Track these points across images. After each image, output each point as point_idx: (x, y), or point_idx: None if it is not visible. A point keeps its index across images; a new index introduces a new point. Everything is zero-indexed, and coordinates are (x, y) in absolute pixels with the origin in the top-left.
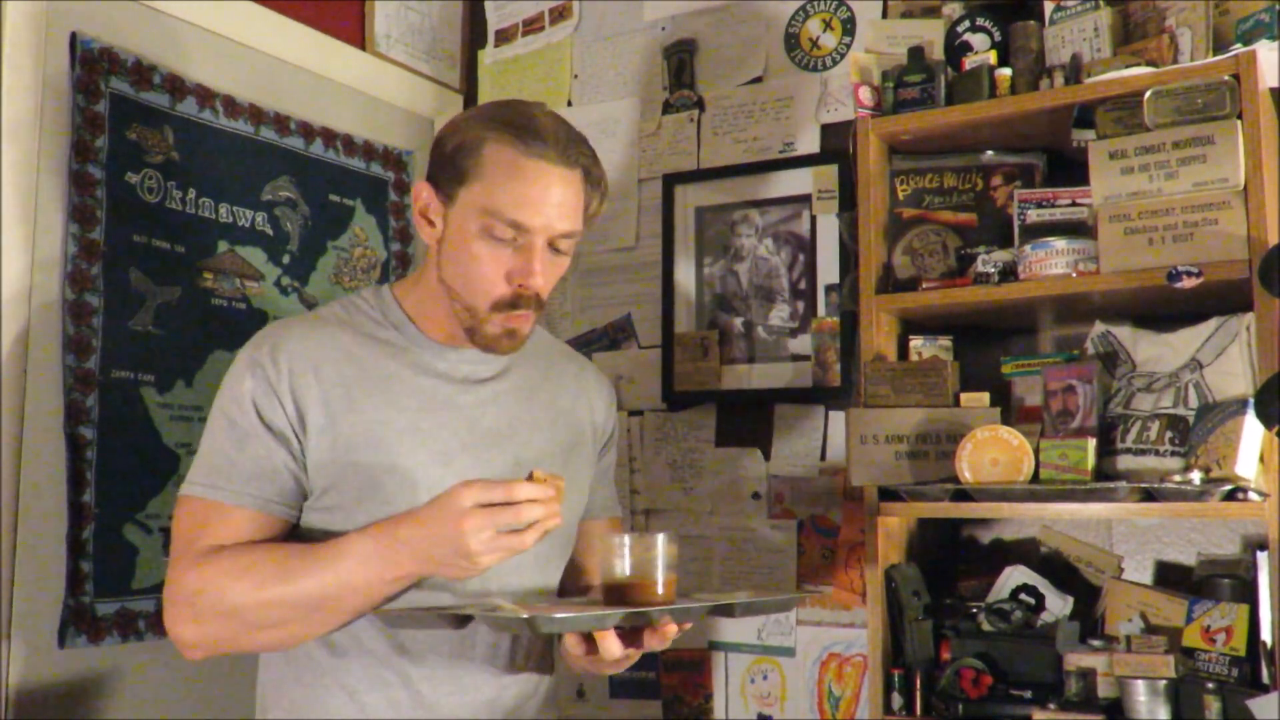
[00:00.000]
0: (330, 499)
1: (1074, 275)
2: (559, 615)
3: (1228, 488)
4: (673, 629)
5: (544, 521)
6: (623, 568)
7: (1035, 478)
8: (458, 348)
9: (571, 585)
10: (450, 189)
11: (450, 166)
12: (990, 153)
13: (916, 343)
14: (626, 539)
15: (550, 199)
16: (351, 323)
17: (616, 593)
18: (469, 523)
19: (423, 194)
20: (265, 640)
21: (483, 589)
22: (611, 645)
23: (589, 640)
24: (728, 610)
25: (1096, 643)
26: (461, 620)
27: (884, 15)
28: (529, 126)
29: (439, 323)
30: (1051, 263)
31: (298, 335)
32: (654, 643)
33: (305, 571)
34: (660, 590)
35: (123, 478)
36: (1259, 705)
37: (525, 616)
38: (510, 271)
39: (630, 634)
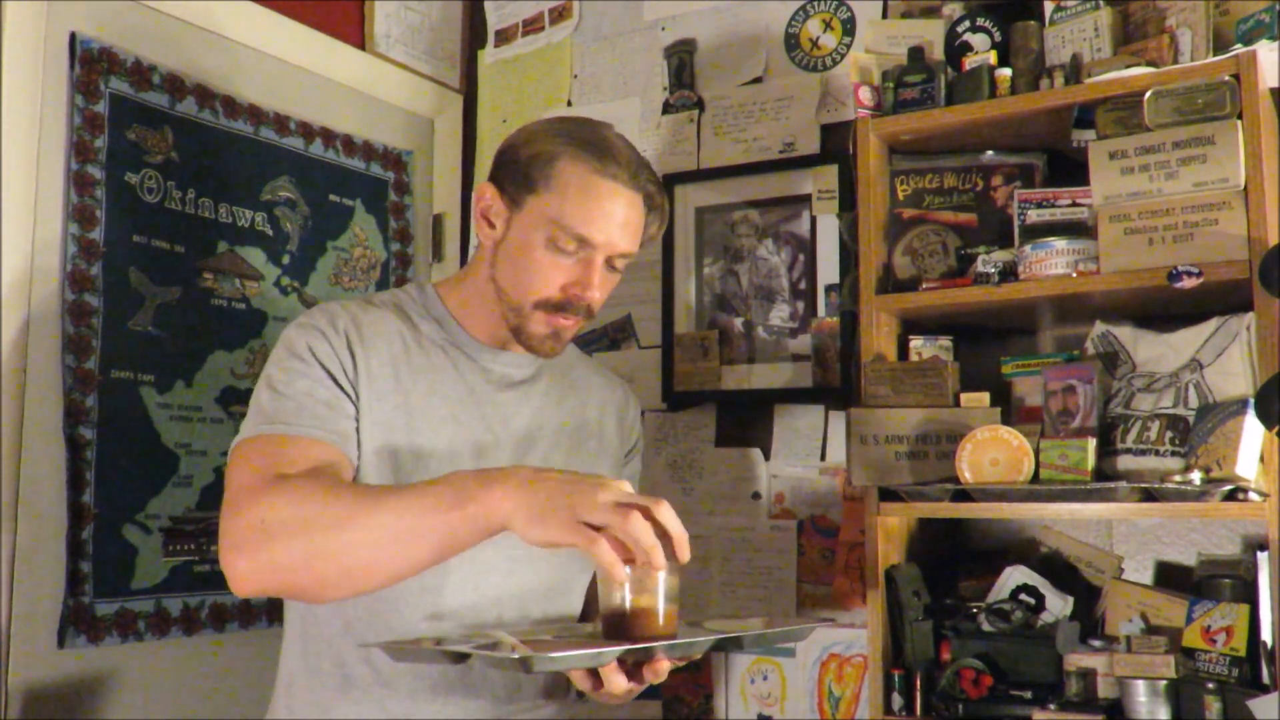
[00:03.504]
0: (365, 472)
1: (1074, 275)
2: (554, 654)
3: (1228, 488)
4: (664, 664)
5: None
6: (622, 599)
7: (1035, 478)
8: (495, 349)
9: (594, 602)
10: (518, 195)
11: (521, 174)
12: (990, 153)
13: (916, 343)
14: (627, 570)
15: (616, 218)
16: (398, 310)
17: (615, 626)
18: (605, 487)
19: (486, 195)
20: (324, 570)
21: (511, 597)
22: (617, 680)
23: (595, 675)
24: (735, 644)
25: (1097, 643)
26: (459, 658)
27: (884, 15)
28: (604, 147)
29: (481, 322)
30: (1051, 263)
31: (352, 310)
32: (649, 677)
33: (390, 499)
34: (660, 623)
35: (122, 478)
36: (1259, 705)
37: (517, 656)
38: (567, 283)
39: (634, 669)
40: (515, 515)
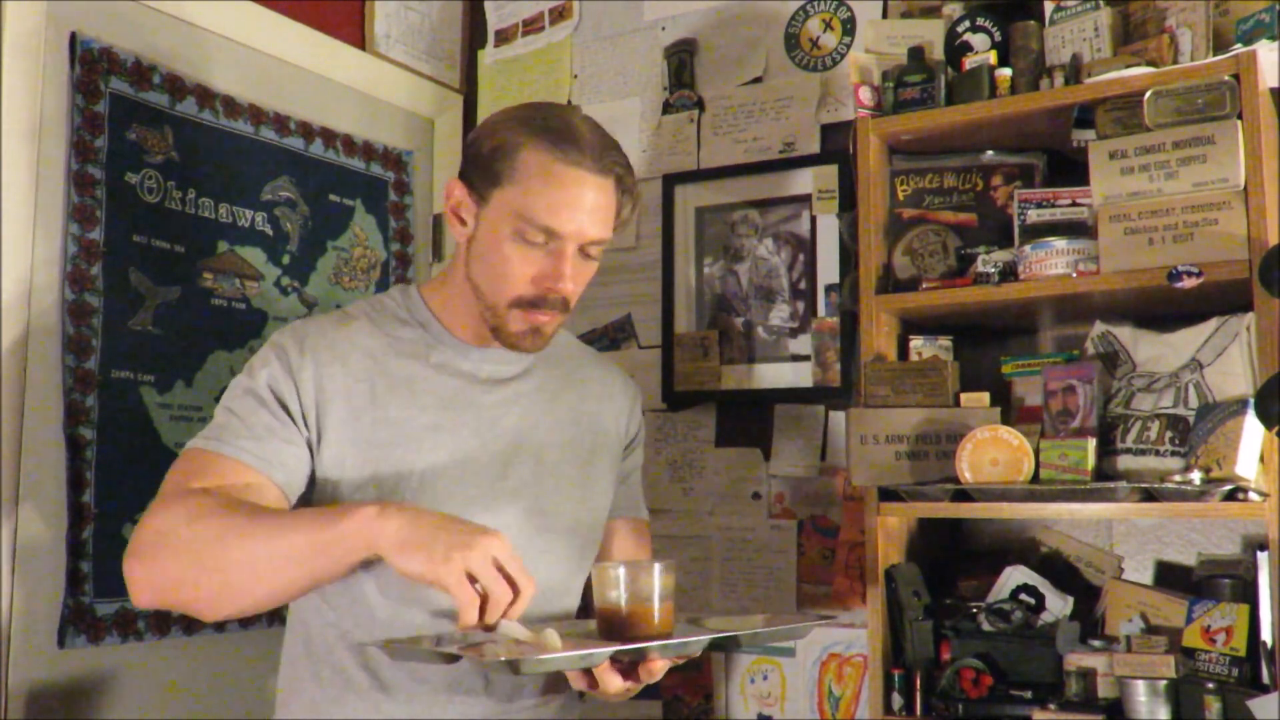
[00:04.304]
0: (345, 496)
1: (1074, 275)
2: (543, 656)
3: (1228, 488)
4: (659, 664)
5: (510, 611)
6: (617, 598)
7: (1035, 478)
8: (482, 347)
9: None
10: (484, 189)
11: (485, 167)
12: (990, 153)
13: (916, 343)
14: (622, 569)
15: (583, 206)
16: (378, 320)
17: (610, 625)
18: (496, 539)
19: (455, 191)
20: (208, 586)
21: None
22: (611, 679)
23: (589, 674)
24: (732, 643)
25: (1096, 643)
26: (451, 658)
27: (884, 15)
28: (566, 133)
29: (465, 322)
30: (1051, 263)
31: (325, 329)
32: (644, 676)
33: (272, 519)
34: (655, 622)
35: (123, 478)
36: (1259, 705)
37: (503, 659)
38: (539, 275)
39: (630, 667)
40: (386, 539)
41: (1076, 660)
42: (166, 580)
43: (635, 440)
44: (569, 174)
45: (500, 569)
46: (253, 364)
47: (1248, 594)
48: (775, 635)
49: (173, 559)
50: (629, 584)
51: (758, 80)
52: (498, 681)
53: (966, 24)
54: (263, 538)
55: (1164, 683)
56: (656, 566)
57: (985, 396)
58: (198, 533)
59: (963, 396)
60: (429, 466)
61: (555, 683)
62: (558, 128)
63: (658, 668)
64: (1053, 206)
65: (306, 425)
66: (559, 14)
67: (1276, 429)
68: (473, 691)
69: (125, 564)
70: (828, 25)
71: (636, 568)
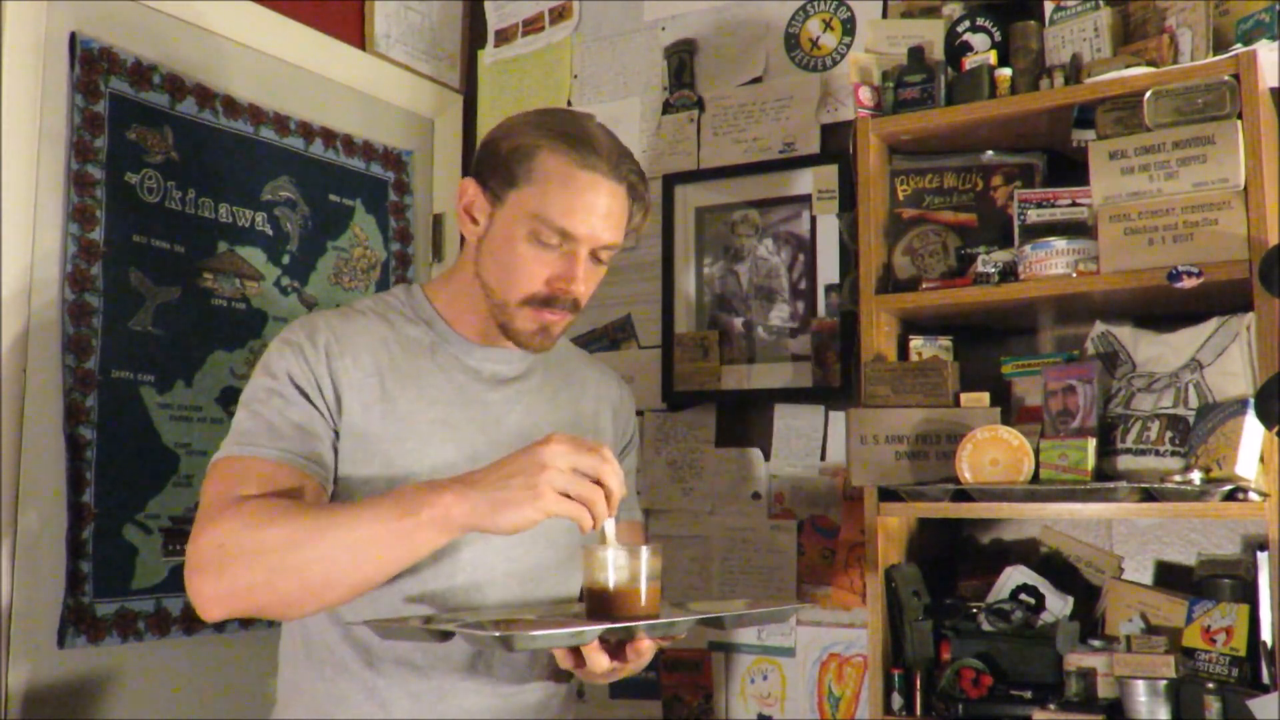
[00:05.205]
0: (354, 487)
1: (1074, 275)
2: (535, 633)
3: (1228, 488)
4: (646, 644)
5: (610, 504)
6: (604, 580)
7: (1035, 478)
8: (486, 346)
9: None
10: (500, 190)
11: (502, 168)
12: (990, 153)
13: (916, 343)
14: (609, 551)
15: (598, 210)
16: (384, 316)
17: (597, 606)
18: (553, 446)
19: (469, 190)
20: (286, 589)
21: (504, 600)
22: (598, 659)
23: (577, 653)
24: (716, 623)
25: (1096, 643)
26: (444, 635)
27: (884, 15)
28: (583, 138)
29: (470, 320)
30: (1051, 263)
31: (333, 322)
32: (631, 656)
33: (343, 514)
34: (642, 603)
35: (122, 478)
36: (1259, 705)
37: (497, 635)
38: (552, 276)
39: (616, 648)
40: (476, 512)
41: (1076, 660)
42: (239, 590)
43: (630, 443)
44: (585, 178)
45: (576, 470)
46: (269, 363)
47: (1248, 594)
48: (758, 618)
49: (243, 568)
50: (617, 565)
51: (758, 80)
52: (502, 671)
53: (966, 24)
54: (337, 534)
55: (1164, 683)
56: (644, 549)
57: (985, 396)
58: (266, 538)
59: (963, 396)
60: (437, 462)
61: (558, 671)
62: (575, 133)
63: (644, 647)
64: (1053, 206)
65: (332, 415)
66: (559, 14)
67: (1276, 429)
68: (479, 684)
69: (190, 581)
70: (828, 25)
71: (625, 550)
